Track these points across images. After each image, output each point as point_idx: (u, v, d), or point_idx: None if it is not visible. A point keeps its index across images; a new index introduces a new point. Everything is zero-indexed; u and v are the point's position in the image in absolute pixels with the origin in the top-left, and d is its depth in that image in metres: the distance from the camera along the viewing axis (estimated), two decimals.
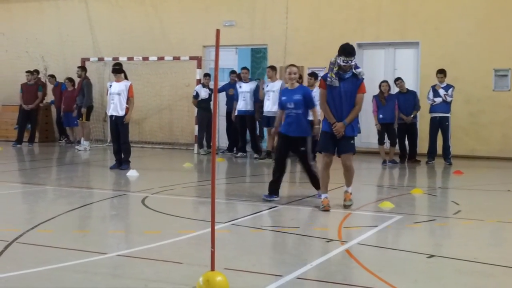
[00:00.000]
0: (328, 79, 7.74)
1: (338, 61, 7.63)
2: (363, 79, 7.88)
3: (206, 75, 15.92)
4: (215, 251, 4.61)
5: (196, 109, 15.87)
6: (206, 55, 17.80)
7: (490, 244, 6.48)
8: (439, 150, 13.94)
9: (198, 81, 15.99)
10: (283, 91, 8.96)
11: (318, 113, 9.04)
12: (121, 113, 11.93)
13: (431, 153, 13.92)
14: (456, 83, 14.19)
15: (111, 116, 12.12)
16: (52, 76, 18.51)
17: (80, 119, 16.48)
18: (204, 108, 15.54)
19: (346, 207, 8.07)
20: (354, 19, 16.34)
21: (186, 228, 6.79)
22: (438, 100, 13.72)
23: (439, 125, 13.82)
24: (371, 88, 15.48)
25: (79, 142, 16.92)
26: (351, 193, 8.23)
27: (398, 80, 14.22)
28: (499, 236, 6.98)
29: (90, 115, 16.69)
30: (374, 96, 13.99)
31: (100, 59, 17.80)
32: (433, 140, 13.96)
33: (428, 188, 10.28)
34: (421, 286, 4.74)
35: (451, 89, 13.72)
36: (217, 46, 4.68)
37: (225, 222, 7.05)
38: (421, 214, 8.10)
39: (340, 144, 7.98)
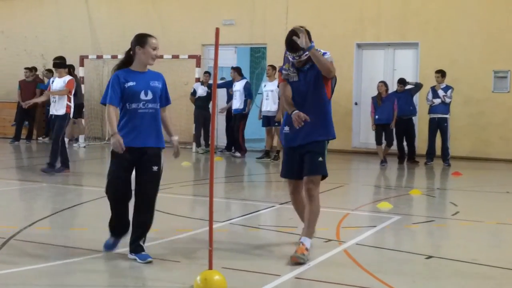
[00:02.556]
0: (284, 71, 5.77)
1: (289, 56, 5.66)
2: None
3: (206, 73, 15.90)
4: (213, 250, 4.60)
5: (194, 107, 15.86)
6: (205, 53, 17.77)
7: (489, 246, 6.47)
8: (438, 151, 13.93)
9: (197, 80, 15.98)
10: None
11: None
12: (61, 112, 10.62)
13: (430, 154, 13.91)
14: (455, 84, 14.18)
15: (51, 116, 10.96)
16: (49, 71, 18.45)
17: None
18: (200, 106, 15.52)
19: (292, 261, 5.26)
20: (354, 19, 16.32)
21: (183, 227, 6.78)
22: (437, 101, 13.71)
23: (438, 126, 13.81)
24: (370, 88, 15.55)
25: (77, 140, 16.86)
26: (306, 246, 5.38)
27: (399, 83, 14.12)
28: (498, 237, 6.97)
29: (82, 112, 16.63)
30: (372, 97, 13.98)
31: (99, 57, 17.77)
32: (432, 141, 13.95)
33: (426, 189, 10.27)
34: (419, 287, 4.73)
35: (450, 90, 13.71)
36: (216, 45, 4.67)
37: (223, 221, 7.04)
38: (419, 215, 8.09)
39: (304, 160, 5.58)
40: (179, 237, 6.26)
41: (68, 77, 10.83)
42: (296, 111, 5.43)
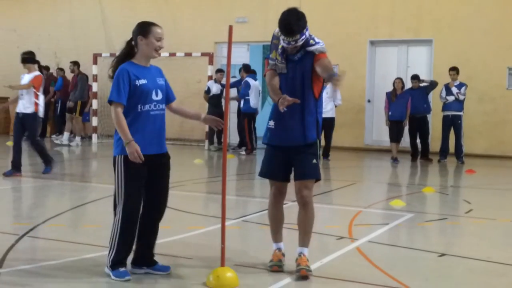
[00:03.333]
0: (271, 61, 5.04)
1: (281, 41, 4.93)
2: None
3: (219, 70, 15.90)
4: (225, 247, 4.60)
5: (207, 105, 15.87)
6: (218, 51, 17.79)
7: (503, 243, 6.42)
8: (452, 148, 13.86)
9: (210, 77, 15.99)
10: None
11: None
12: (29, 110, 10.01)
13: (443, 152, 13.84)
14: (469, 81, 14.10)
15: (18, 114, 10.17)
16: (61, 69, 18.56)
17: (74, 113, 16.44)
18: (214, 104, 15.54)
19: (302, 274, 4.76)
20: (367, 16, 16.27)
21: (196, 224, 6.79)
22: (451, 98, 13.64)
23: (452, 123, 13.74)
24: (384, 86, 15.50)
25: (90, 138, 16.93)
26: (307, 257, 4.91)
27: (414, 79, 14.06)
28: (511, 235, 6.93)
29: (83, 110, 16.71)
30: (387, 93, 13.95)
31: (112, 55, 17.80)
32: (446, 138, 13.88)
33: (439, 187, 10.21)
34: (432, 285, 4.71)
35: (464, 87, 13.63)
36: (229, 43, 4.65)
37: (235, 219, 7.04)
38: (432, 213, 8.05)
39: (295, 162, 4.95)
40: (191, 234, 6.27)
41: (35, 73, 10.13)
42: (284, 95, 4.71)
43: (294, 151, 4.91)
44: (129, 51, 4.81)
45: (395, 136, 13.71)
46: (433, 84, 14.25)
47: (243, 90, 14.86)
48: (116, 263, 4.62)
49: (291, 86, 4.90)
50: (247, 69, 15.15)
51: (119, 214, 4.61)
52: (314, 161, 4.93)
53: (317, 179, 4.99)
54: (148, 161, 4.58)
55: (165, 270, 4.80)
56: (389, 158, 13.67)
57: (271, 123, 5.00)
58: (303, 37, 4.85)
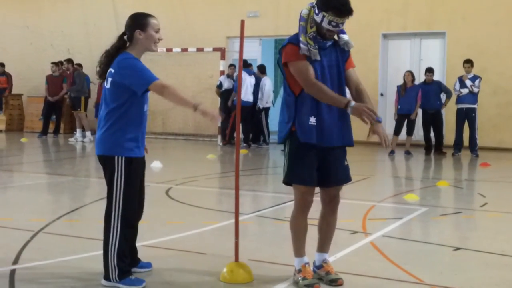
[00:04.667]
0: (303, 46, 4.31)
1: (320, 20, 4.24)
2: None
3: (232, 65, 15.91)
4: (239, 242, 4.61)
5: (219, 100, 15.90)
6: (230, 46, 17.78)
7: None
8: (466, 142, 13.78)
9: (222, 72, 16.00)
10: None
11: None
12: None
13: (457, 145, 13.77)
14: (483, 74, 14.00)
15: None
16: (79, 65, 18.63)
17: (79, 109, 16.48)
18: (226, 99, 15.56)
19: (340, 284, 4.46)
20: (380, 9, 16.20)
21: (209, 219, 6.79)
22: (465, 91, 13.55)
23: (466, 116, 13.66)
24: (396, 79, 15.42)
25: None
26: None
27: (429, 72, 13.97)
28: None
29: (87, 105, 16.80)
30: (397, 86, 13.94)
31: None
32: (460, 131, 13.80)
33: (454, 180, 10.16)
34: (447, 279, 4.68)
35: (478, 80, 13.54)
36: (241, 37, 4.63)
37: (249, 214, 7.04)
38: (446, 207, 8.01)
39: (332, 167, 4.43)
40: (205, 229, 6.27)
41: None
42: (359, 103, 4.29)
43: (330, 151, 4.39)
44: (121, 46, 4.40)
45: (399, 129, 13.72)
46: (448, 95, 14.07)
47: (235, 83, 15.09)
48: (124, 272, 4.32)
49: (328, 75, 4.34)
50: (245, 63, 15.16)
51: (116, 220, 4.30)
52: (346, 162, 4.53)
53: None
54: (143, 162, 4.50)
55: (148, 266, 4.70)
56: (400, 152, 13.65)
57: (313, 119, 4.32)
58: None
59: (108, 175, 4.37)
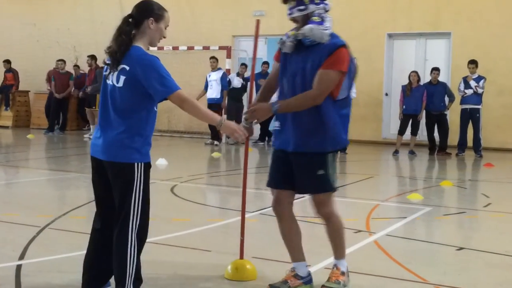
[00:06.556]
0: (282, 37, 4.26)
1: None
2: (340, 45, 4.05)
3: (243, 64, 15.93)
4: (244, 239, 4.64)
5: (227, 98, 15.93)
6: (236, 44, 17.81)
7: None
8: (470, 142, 13.79)
9: (228, 71, 16.03)
10: None
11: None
12: None
13: (461, 145, 13.78)
14: (488, 74, 14.00)
15: None
16: (78, 67, 18.75)
17: (94, 107, 16.53)
18: (233, 97, 15.59)
19: None
20: (386, 9, 16.20)
21: (214, 217, 6.83)
22: (469, 91, 13.56)
23: (470, 117, 13.67)
24: (401, 79, 15.43)
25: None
26: (341, 270, 4.36)
27: (436, 70, 13.97)
28: None
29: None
30: (402, 86, 13.95)
31: None
32: (464, 132, 13.82)
33: (457, 180, 10.18)
34: (450, 279, 4.71)
35: (482, 81, 13.54)
36: (256, 37, 4.60)
37: (254, 211, 7.07)
38: (450, 207, 8.04)
39: (296, 173, 4.21)
40: (210, 226, 6.31)
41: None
42: (257, 105, 4.11)
43: (294, 157, 4.17)
44: (129, 31, 3.83)
45: (404, 129, 13.73)
46: (451, 99, 14.07)
47: (224, 81, 15.31)
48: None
49: (295, 73, 4.12)
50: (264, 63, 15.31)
51: (133, 237, 3.72)
52: (322, 171, 4.10)
53: (331, 189, 4.22)
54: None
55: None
56: (404, 152, 13.66)
57: (277, 123, 4.29)
58: (303, 7, 4.02)
59: (123, 184, 3.73)
